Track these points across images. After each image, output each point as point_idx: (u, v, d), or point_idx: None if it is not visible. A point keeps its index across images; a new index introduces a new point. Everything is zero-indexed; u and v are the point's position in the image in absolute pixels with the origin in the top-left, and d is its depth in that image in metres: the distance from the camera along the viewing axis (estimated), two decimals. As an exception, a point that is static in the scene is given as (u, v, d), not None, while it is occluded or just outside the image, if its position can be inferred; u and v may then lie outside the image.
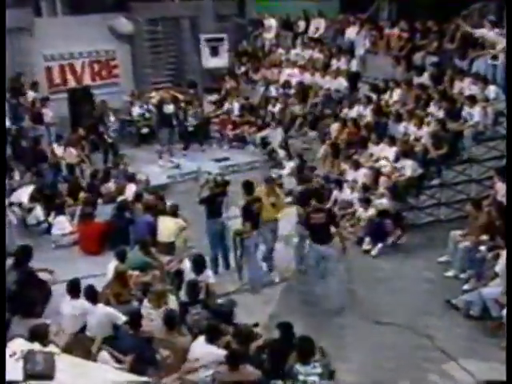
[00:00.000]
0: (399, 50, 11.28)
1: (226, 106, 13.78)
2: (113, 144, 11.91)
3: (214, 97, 14.41)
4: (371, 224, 8.11)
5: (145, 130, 13.47)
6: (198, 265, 6.19)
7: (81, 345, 5.25)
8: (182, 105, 13.12)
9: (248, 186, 7.24)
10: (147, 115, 13.53)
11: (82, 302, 5.70)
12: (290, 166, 10.76)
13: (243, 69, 15.23)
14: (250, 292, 7.16)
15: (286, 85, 13.30)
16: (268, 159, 12.10)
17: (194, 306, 5.75)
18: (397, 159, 9.06)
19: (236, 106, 13.67)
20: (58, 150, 11.21)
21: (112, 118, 11.99)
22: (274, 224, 7.25)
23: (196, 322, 5.56)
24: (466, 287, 6.78)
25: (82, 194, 9.15)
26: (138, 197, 8.47)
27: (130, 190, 8.97)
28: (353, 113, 11.12)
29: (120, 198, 8.86)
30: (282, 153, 11.61)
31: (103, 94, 13.76)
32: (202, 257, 6.39)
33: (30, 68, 12.92)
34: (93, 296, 5.69)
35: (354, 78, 12.17)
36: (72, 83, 14.11)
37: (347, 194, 9.10)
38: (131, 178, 9.44)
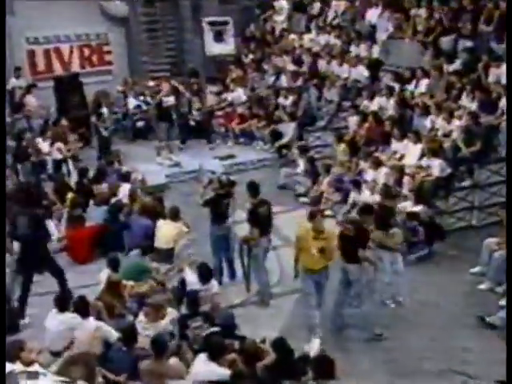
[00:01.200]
0: (427, 33, 11.18)
1: (232, 97, 13.83)
2: (106, 139, 12.03)
3: (218, 87, 14.46)
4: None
5: (141, 124, 13.55)
6: (204, 274, 6.20)
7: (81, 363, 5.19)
8: (187, 95, 13.19)
9: (253, 188, 7.22)
10: (144, 107, 13.61)
11: (71, 316, 5.64)
12: (303, 164, 10.77)
13: (251, 56, 15.27)
14: (257, 304, 7.16)
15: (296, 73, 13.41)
16: (278, 157, 12.11)
17: (194, 319, 5.72)
18: (423, 157, 9.12)
19: (241, 92, 13.75)
20: (43, 145, 11.29)
21: (105, 110, 12.03)
22: (321, 275, 6.34)
23: (197, 337, 5.51)
24: (502, 303, 6.58)
25: (70, 195, 9.13)
26: (132, 197, 8.48)
27: (125, 190, 8.97)
28: (374, 105, 11.11)
29: (113, 200, 8.89)
30: (294, 150, 11.64)
31: (94, 82, 13.79)
32: (208, 265, 6.50)
33: (9, 52, 12.69)
34: (83, 309, 5.60)
35: (375, 67, 12.14)
36: (58, 70, 14.08)
37: (366, 196, 9.04)
38: (126, 177, 9.45)
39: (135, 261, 7.02)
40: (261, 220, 6.99)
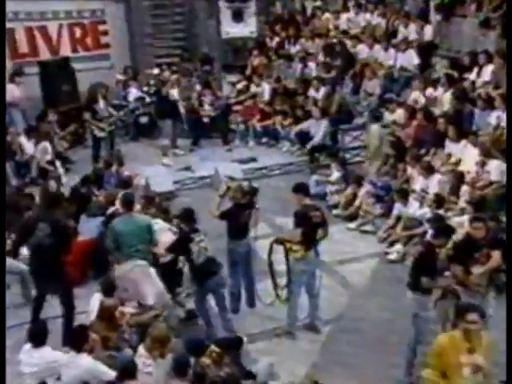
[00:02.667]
0: (492, 10, 11.08)
1: (253, 89, 13.96)
2: (110, 137, 12.21)
3: (237, 77, 14.62)
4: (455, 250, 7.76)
5: (144, 120, 13.73)
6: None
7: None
8: (198, 86, 13.38)
9: (304, 187, 7.23)
10: (147, 99, 13.78)
11: (51, 353, 5.59)
12: (337, 171, 10.81)
13: (276, 40, 15.36)
14: (282, 336, 7.13)
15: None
16: (308, 161, 12.15)
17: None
18: (485, 162, 8.97)
19: (266, 89, 13.86)
20: (28, 144, 11.46)
21: (101, 103, 12.18)
22: None
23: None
24: None
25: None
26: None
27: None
28: (424, 99, 11.08)
29: (110, 210, 8.79)
30: (326, 153, 11.68)
31: (88, 69, 13.93)
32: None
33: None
34: (80, 342, 5.51)
35: (427, 52, 12.14)
36: (45, 53, 14.14)
37: (414, 208, 9.07)
38: (126, 183, 9.34)
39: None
40: (312, 229, 6.95)
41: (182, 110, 13.05)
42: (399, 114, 11.18)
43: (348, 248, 9.04)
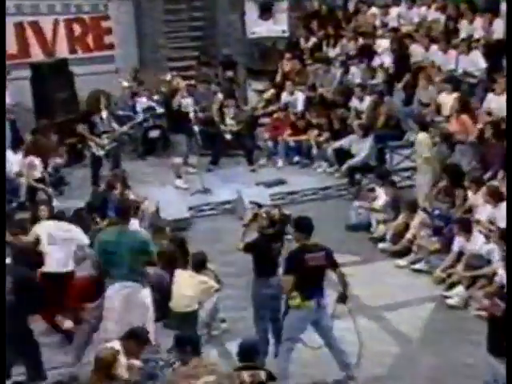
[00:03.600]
0: None
1: (284, 98, 14.09)
2: (114, 154, 12.35)
3: (264, 84, 14.89)
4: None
5: (154, 134, 14.00)
6: (248, 353, 6.09)
7: None
8: (220, 96, 13.59)
9: (304, 224, 7.22)
10: (158, 110, 14.00)
11: None
12: (384, 196, 10.88)
13: (313, 40, 15.51)
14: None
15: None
16: (348, 184, 12.27)
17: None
18: None
19: (299, 98, 13.97)
20: (14, 159, 11.67)
21: (103, 115, 12.42)
22: None
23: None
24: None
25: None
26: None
27: (130, 227, 9.10)
28: (494, 109, 11.02)
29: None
30: (371, 175, 11.80)
31: (89, 74, 14.19)
32: (253, 342, 6.39)
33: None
34: None
35: (497, 52, 11.97)
36: (37, 54, 14.41)
37: (479, 243, 9.04)
38: (134, 209, 9.46)
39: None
40: (309, 274, 6.91)
41: (197, 123, 13.20)
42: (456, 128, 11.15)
43: (398, 290, 9.04)
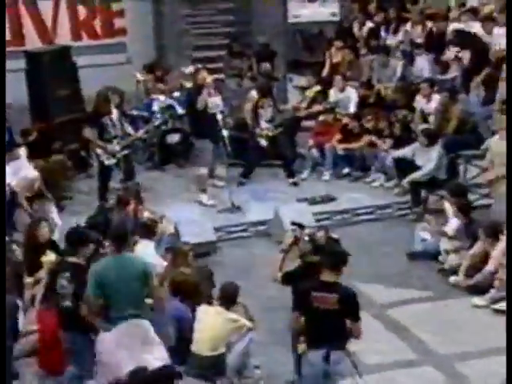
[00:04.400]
0: None
1: (333, 97, 14.08)
2: (127, 163, 12.26)
3: (309, 79, 14.74)
4: None
5: (174, 139, 14.01)
6: None
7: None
8: (254, 93, 13.48)
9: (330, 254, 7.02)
10: (179, 111, 14.05)
11: None
12: (457, 218, 10.58)
13: (369, 25, 15.47)
14: None
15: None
16: (412, 202, 12.14)
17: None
18: None
19: (352, 97, 13.95)
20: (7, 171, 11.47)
21: (114, 116, 12.29)
22: None
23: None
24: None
25: (47, 258, 9.24)
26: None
27: (145, 251, 8.97)
28: None
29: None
30: (441, 192, 11.47)
31: (96, 65, 14.36)
32: None
33: None
34: None
35: None
36: (34, 41, 14.61)
37: None
38: (148, 230, 9.50)
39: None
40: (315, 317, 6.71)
41: (226, 126, 13.10)
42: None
43: (475, 337, 8.81)
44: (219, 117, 12.50)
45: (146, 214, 10.33)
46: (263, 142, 13.42)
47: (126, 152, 12.21)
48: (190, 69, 14.51)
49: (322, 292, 6.61)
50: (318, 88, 14.51)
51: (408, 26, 14.75)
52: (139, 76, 14.55)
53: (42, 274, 9.05)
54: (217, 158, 12.82)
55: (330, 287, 6.62)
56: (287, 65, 15.11)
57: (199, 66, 13.72)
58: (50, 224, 10.31)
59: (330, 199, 12.34)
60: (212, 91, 12.49)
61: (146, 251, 8.91)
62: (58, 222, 11.02)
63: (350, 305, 6.64)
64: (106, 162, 12.14)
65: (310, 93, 14.61)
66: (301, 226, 8.65)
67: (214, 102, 12.45)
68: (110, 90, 12.73)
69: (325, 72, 14.76)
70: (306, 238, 7.64)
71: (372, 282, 9.44)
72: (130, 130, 12.53)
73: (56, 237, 10.22)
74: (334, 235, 7.95)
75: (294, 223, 9.04)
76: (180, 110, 14.01)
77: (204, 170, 12.50)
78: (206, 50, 15.50)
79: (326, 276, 6.66)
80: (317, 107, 14.19)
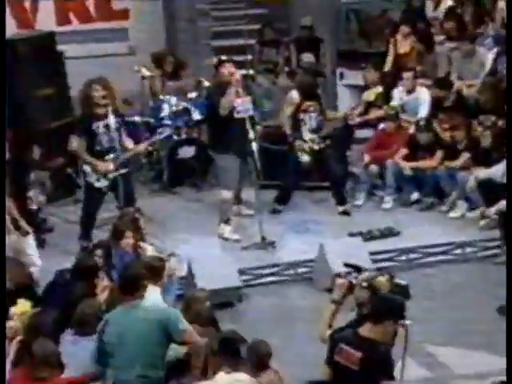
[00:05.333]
0: None
1: (397, 98, 14.09)
2: (125, 185, 12.20)
3: (365, 76, 14.76)
4: None
5: (188, 153, 14.16)
6: None
7: None
8: (294, 99, 13.40)
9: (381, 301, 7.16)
10: (196, 116, 14.16)
11: None
12: None
13: (448, 3, 15.40)
14: None
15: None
16: (502, 239, 11.88)
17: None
18: None
19: (423, 98, 13.92)
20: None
21: (111, 120, 12.21)
22: None
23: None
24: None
25: (21, 306, 9.23)
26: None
27: (149, 298, 9.04)
28: None
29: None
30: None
31: (88, 56, 14.55)
32: None
33: None
34: None
35: None
36: (8, 25, 14.38)
37: None
38: (151, 272, 9.18)
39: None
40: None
41: (257, 136, 13.06)
42: None
43: None
44: (248, 124, 12.45)
45: (150, 251, 10.39)
46: (305, 158, 13.35)
47: (123, 171, 12.14)
48: (210, 62, 14.54)
49: (349, 346, 6.75)
50: (377, 89, 14.45)
51: (502, 2, 14.62)
52: (144, 71, 14.57)
53: (12, 323, 9.05)
54: (244, 177, 12.87)
55: (361, 342, 6.76)
56: (337, 56, 15.14)
57: (223, 57, 13.67)
58: (24, 264, 10.44)
59: (392, 234, 12.35)
60: (239, 91, 12.46)
61: (147, 299, 8.61)
62: (37, 262, 11.07)
63: (375, 370, 6.71)
64: (96, 184, 12.11)
65: (367, 94, 14.57)
66: (357, 269, 8.53)
67: (241, 104, 12.41)
68: (102, 84, 12.64)
69: (387, 66, 14.79)
70: (364, 285, 7.50)
71: (449, 344, 9.37)
72: (129, 141, 12.43)
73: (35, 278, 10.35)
74: (401, 281, 7.79)
75: (347, 265, 8.94)
76: (197, 116, 14.13)
77: (227, 194, 12.50)
78: (230, 38, 15.61)
79: (366, 330, 6.78)
80: (376, 113, 14.25)
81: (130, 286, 7.56)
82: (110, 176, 11.99)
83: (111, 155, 12.05)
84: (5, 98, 12.53)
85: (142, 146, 12.86)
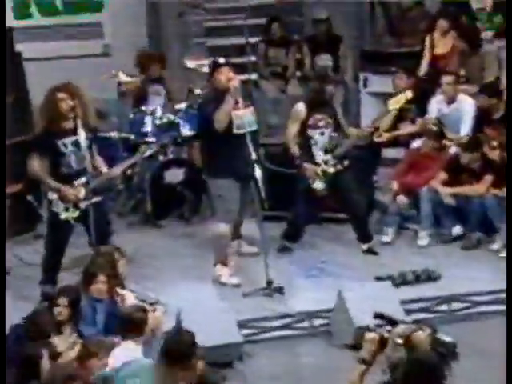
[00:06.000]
0: None
1: (433, 110, 14.12)
2: (97, 218, 12.14)
3: (395, 82, 14.71)
4: None
5: (177, 177, 14.15)
6: None
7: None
8: (303, 111, 13.42)
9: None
10: (185, 132, 14.20)
11: None
12: None
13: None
14: None
15: None
16: None
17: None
18: None
19: (467, 110, 13.92)
20: None
21: (81, 136, 12.11)
22: None
23: None
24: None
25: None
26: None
27: (127, 358, 8.91)
28: None
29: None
30: None
31: (53, 57, 14.66)
32: None
33: None
34: None
35: None
36: None
37: None
38: (131, 325, 9.53)
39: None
40: None
41: (261, 156, 13.15)
42: None
43: None
44: (249, 142, 12.42)
45: (129, 299, 10.39)
46: (319, 185, 13.29)
47: (96, 199, 12.10)
48: (192, 64, 14.60)
49: None
50: (409, 95, 14.20)
51: None
52: (123, 77, 14.67)
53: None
54: (245, 207, 12.84)
55: None
56: (360, 58, 15.19)
57: (220, 60, 13.63)
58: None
59: (430, 278, 12.26)
60: (239, 101, 12.45)
61: (128, 359, 8.91)
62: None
63: None
64: (63, 215, 12.06)
65: (395, 103, 14.26)
66: (391, 321, 8.47)
67: (241, 117, 12.42)
68: (63, 90, 12.55)
69: (422, 69, 14.86)
70: (399, 341, 7.38)
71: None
72: (103, 162, 12.39)
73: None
74: (445, 337, 7.69)
75: (378, 315, 8.88)
76: (187, 131, 14.19)
77: (224, 228, 12.47)
78: (227, 36, 15.77)
79: None
80: (407, 127, 14.26)
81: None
82: (81, 205, 11.90)
83: (82, 179, 11.95)
84: (4, 100, 12.83)
85: (120, 169, 12.80)
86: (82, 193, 11.88)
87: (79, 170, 11.96)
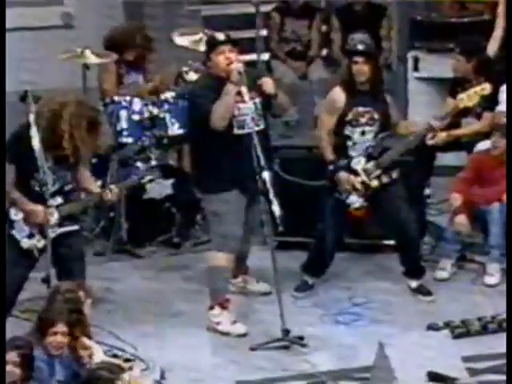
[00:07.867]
0: None
1: (504, 106, 14.18)
2: (72, 245, 12.33)
3: (455, 64, 14.82)
4: None
5: (160, 190, 14.29)
6: None
7: None
8: (341, 104, 13.50)
9: None
10: (173, 130, 14.39)
11: None
12: None
13: None
14: None
15: None
16: None
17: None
18: None
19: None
20: None
21: (34, 144, 12.29)
22: None
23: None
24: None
25: None
26: None
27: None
28: None
29: None
30: None
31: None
32: None
33: None
34: None
35: None
36: None
37: None
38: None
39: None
40: None
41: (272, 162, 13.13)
42: None
43: None
44: (257, 144, 12.43)
45: (98, 354, 10.44)
46: (355, 200, 13.33)
47: (72, 228, 12.27)
48: (196, 40, 14.69)
49: None
50: (485, 88, 14.21)
51: None
52: (90, 56, 14.69)
53: None
54: (251, 230, 12.99)
55: None
56: (409, 33, 15.17)
57: (219, 35, 13.71)
58: None
59: (500, 326, 12.19)
60: (243, 90, 12.51)
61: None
62: None
63: None
64: (25, 244, 12.20)
65: (468, 99, 14.04)
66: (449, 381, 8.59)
67: (246, 112, 12.49)
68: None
69: (492, 46, 14.90)
70: None
71: None
72: (90, 180, 12.55)
73: None
74: None
75: (433, 376, 8.89)
76: (175, 129, 14.34)
77: (223, 258, 12.47)
78: (229, 3, 15.84)
79: None
80: (474, 126, 14.38)
81: None
82: (51, 233, 11.94)
83: (57, 199, 12.05)
84: (4, 99, 13.32)
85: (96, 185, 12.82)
86: (55, 217, 11.93)
87: (58, 190, 12.07)
